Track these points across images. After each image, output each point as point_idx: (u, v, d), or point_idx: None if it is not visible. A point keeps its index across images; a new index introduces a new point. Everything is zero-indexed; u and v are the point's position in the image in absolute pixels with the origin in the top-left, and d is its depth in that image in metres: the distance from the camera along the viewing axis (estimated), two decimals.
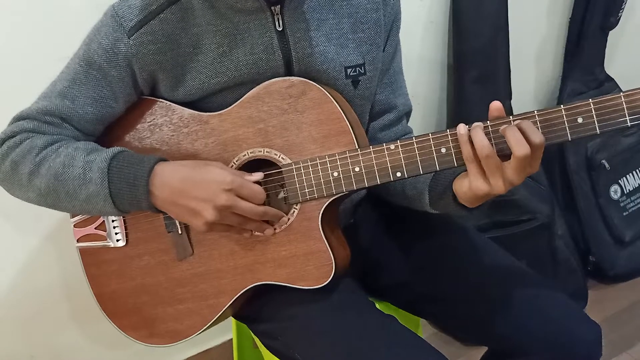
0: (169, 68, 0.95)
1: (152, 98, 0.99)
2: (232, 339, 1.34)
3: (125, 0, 0.94)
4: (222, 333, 1.61)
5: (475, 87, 1.65)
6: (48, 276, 1.36)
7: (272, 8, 0.93)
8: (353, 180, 0.91)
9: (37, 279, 1.34)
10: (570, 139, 0.81)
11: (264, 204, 0.92)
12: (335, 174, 0.91)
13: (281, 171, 0.94)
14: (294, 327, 0.98)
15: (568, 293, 1.73)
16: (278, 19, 0.94)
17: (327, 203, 0.93)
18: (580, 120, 0.80)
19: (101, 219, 1.03)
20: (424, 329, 1.37)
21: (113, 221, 1.03)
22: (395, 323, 0.97)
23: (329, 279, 0.94)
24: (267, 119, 0.94)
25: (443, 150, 0.86)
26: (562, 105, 0.80)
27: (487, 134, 0.82)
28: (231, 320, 1.25)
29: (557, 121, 0.81)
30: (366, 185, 0.91)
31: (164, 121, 0.99)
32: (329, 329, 0.95)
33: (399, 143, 0.88)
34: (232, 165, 0.96)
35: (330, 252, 0.93)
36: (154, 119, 0.99)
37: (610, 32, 1.81)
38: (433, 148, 0.86)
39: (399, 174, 0.89)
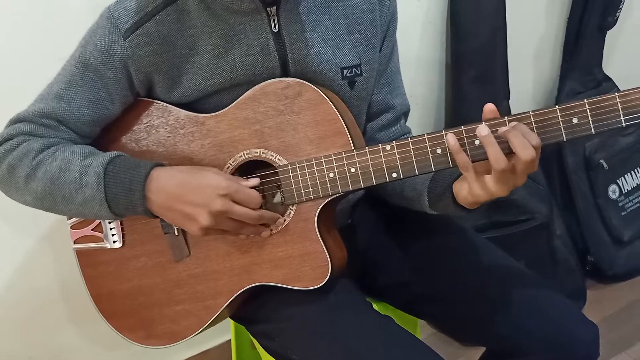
0: (164, 69, 0.95)
1: (149, 99, 1.00)
2: (230, 340, 1.34)
3: (121, 2, 0.94)
4: (221, 334, 1.61)
5: (473, 87, 1.65)
6: (45, 277, 1.36)
7: (268, 9, 0.93)
8: (349, 180, 0.91)
9: (34, 280, 1.34)
10: (565, 139, 0.81)
11: (260, 206, 0.92)
12: (331, 174, 0.91)
13: (277, 172, 0.94)
14: (291, 327, 0.98)
15: (566, 293, 1.74)
16: (274, 20, 0.95)
17: (323, 204, 0.93)
18: (575, 120, 0.80)
19: (98, 221, 1.03)
20: (423, 329, 1.37)
21: (110, 223, 1.03)
22: (392, 324, 0.97)
23: (325, 280, 0.94)
24: (263, 120, 0.94)
25: (439, 150, 0.86)
26: (557, 106, 0.81)
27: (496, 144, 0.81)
28: (229, 321, 1.25)
29: (552, 121, 0.81)
30: (362, 186, 0.91)
31: (160, 122, 0.99)
32: (326, 329, 0.95)
33: (394, 144, 0.88)
34: (229, 167, 0.96)
35: (327, 253, 0.93)
36: (150, 120, 1.00)
37: (608, 32, 1.81)
38: (429, 149, 0.86)
39: (394, 175, 0.89)
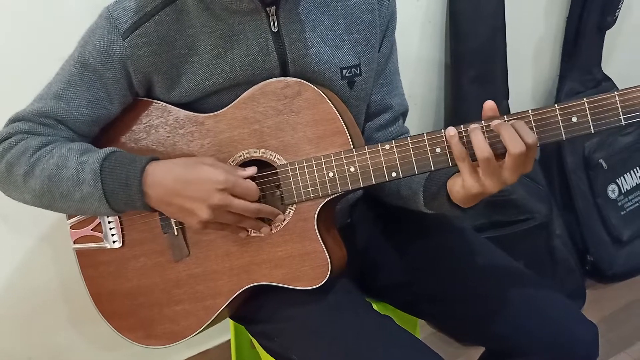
0: (164, 70, 0.95)
1: (148, 99, 1.00)
2: (230, 340, 1.34)
3: (120, 2, 0.94)
4: (221, 334, 1.61)
5: (472, 87, 1.65)
6: (45, 277, 1.36)
7: (268, 9, 0.93)
8: (348, 180, 0.91)
9: (34, 280, 1.34)
10: (564, 139, 0.81)
11: (258, 199, 0.92)
12: (331, 174, 0.91)
13: (277, 172, 0.94)
14: (290, 327, 0.98)
15: (566, 293, 1.74)
16: (273, 20, 0.95)
17: (322, 203, 0.93)
18: (574, 119, 0.80)
19: (98, 221, 1.03)
20: (422, 329, 1.37)
21: (109, 222, 1.03)
22: (392, 324, 0.97)
23: (325, 280, 0.94)
24: (262, 119, 0.94)
25: (438, 150, 0.86)
26: (556, 105, 0.81)
27: (482, 134, 0.82)
28: (229, 321, 1.25)
29: (551, 120, 0.81)
30: (361, 185, 0.91)
31: (160, 122, 0.99)
32: (326, 329, 0.95)
33: (394, 143, 0.88)
34: None
35: (326, 253, 0.93)
36: (150, 120, 1.00)
37: (608, 32, 1.81)
38: (428, 148, 0.86)
39: (394, 174, 0.89)
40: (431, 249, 1.09)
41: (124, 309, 1.04)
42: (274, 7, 0.94)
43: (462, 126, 0.84)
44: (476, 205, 0.90)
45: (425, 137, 0.86)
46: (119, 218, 1.03)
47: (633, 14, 1.92)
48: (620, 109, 0.79)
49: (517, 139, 0.78)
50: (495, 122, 0.81)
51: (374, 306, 1.04)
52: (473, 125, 0.83)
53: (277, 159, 0.94)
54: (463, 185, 0.85)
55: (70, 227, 1.05)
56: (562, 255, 1.77)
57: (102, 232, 1.03)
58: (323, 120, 0.92)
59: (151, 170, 0.90)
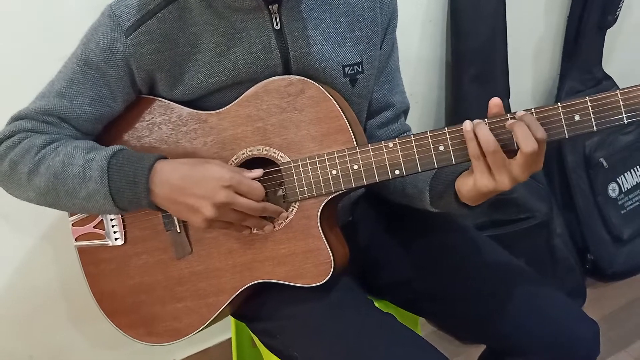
0: (167, 67, 0.95)
1: (151, 97, 1.00)
2: (231, 338, 1.34)
3: (123, 0, 0.94)
4: (221, 332, 1.61)
5: (473, 86, 1.65)
6: (46, 275, 1.36)
7: (270, 7, 0.93)
8: (352, 178, 0.91)
9: (35, 278, 1.34)
10: (567, 137, 0.81)
11: (263, 199, 0.92)
12: (334, 172, 0.92)
13: (280, 169, 0.94)
14: (292, 325, 0.99)
15: (566, 291, 1.74)
16: (276, 17, 0.95)
17: (325, 201, 0.93)
18: (577, 117, 0.80)
19: (99, 218, 1.03)
20: (423, 328, 1.37)
21: (111, 220, 1.03)
22: (394, 321, 0.97)
23: (328, 277, 0.94)
24: (266, 117, 0.94)
25: (441, 148, 0.86)
26: (559, 103, 0.81)
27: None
28: (230, 320, 1.25)
29: (554, 119, 0.81)
30: (365, 183, 0.91)
31: (163, 120, 0.99)
32: (328, 327, 0.95)
33: (397, 141, 0.88)
34: (231, 164, 0.96)
35: (329, 250, 0.93)
36: (153, 117, 1.00)
37: (608, 31, 1.81)
38: (431, 146, 0.87)
39: (397, 172, 0.89)
40: (433, 247, 1.09)
41: (126, 307, 1.04)
42: (277, 5, 0.94)
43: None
44: (482, 204, 0.90)
45: (429, 135, 0.86)
46: (121, 215, 1.03)
47: (633, 13, 1.92)
48: (622, 107, 0.79)
49: (529, 137, 0.78)
50: (510, 122, 0.81)
51: (376, 304, 1.04)
52: (476, 120, 0.83)
53: (281, 156, 0.94)
54: (475, 184, 0.85)
55: (72, 225, 1.05)
56: (562, 254, 1.77)
57: (104, 230, 1.04)
58: (326, 118, 0.92)
59: (159, 168, 0.90)
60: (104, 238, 1.04)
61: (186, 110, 0.98)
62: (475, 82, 1.65)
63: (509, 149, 0.82)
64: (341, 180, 0.92)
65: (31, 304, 1.36)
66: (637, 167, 1.92)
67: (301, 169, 0.93)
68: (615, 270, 1.87)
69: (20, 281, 1.33)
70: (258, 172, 0.94)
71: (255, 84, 0.95)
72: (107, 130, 1.01)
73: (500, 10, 1.61)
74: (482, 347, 1.11)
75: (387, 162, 0.89)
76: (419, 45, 1.62)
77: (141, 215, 1.01)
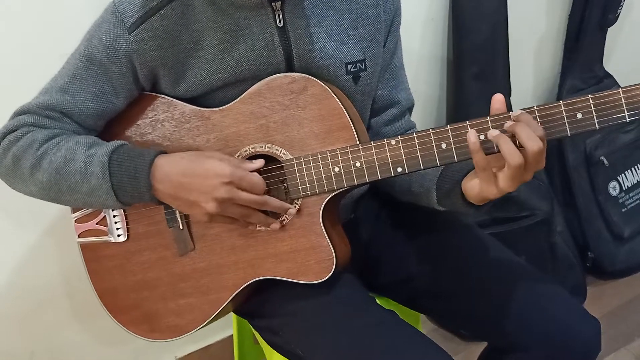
0: (169, 64, 0.95)
1: (154, 94, 1.00)
2: (232, 335, 1.34)
3: None
4: (223, 329, 1.61)
5: (474, 83, 1.65)
6: (48, 272, 1.36)
7: (273, 4, 0.94)
8: (354, 175, 0.91)
9: (37, 274, 1.34)
10: (569, 135, 0.82)
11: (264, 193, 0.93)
12: (337, 169, 0.92)
13: (282, 167, 0.95)
14: (295, 322, 0.99)
15: (567, 289, 1.72)
16: (279, 15, 0.95)
17: (328, 198, 0.93)
18: (579, 115, 0.80)
19: (102, 214, 1.04)
20: (424, 326, 1.37)
21: (114, 216, 1.03)
22: (395, 318, 0.97)
23: (330, 274, 0.94)
24: (268, 114, 0.94)
25: (443, 145, 0.86)
26: (561, 101, 0.81)
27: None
28: (232, 316, 1.25)
29: (556, 117, 0.81)
30: (367, 180, 0.91)
31: (166, 117, 0.99)
32: (330, 324, 0.96)
33: (399, 138, 0.89)
34: None
35: (331, 247, 0.93)
36: (156, 114, 1.00)
37: (609, 29, 1.81)
38: (434, 143, 0.87)
39: (399, 169, 0.89)
40: (434, 244, 1.09)
41: (129, 303, 1.05)
42: (280, 2, 0.94)
43: (467, 122, 0.84)
44: (488, 202, 0.90)
45: (431, 133, 0.87)
46: (124, 212, 1.03)
47: (634, 11, 1.92)
48: (624, 106, 0.79)
49: (534, 137, 0.78)
50: (509, 123, 0.81)
51: (377, 301, 1.04)
52: (494, 133, 0.81)
53: (283, 153, 0.94)
54: (481, 191, 0.85)
55: (75, 221, 1.06)
56: (563, 251, 1.78)
57: (106, 226, 1.04)
58: (329, 116, 0.92)
59: (160, 163, 0.91)
60: (107, 234, 1.04)
61: (189, 107, 0.98)
62: (477, 80, 1.65)
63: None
64: (343, 177, 0.92)
65: (33, 301, 1.36)
66: (638, 165, 1.92)
67: (304, 166, 0.93)
68: (615, 268, 1.87)
69: (23, 278, 1.33)
70: (259, 162, 0.94)
71: (258, 81, 0.95)
72: (110, 127, 1.01)
73: (501, 8, 1.61)
74: (483, 345, 1.11)
75: (389, 160, 0.89)
76: (421, 43, 1.62)
77: (144, 211, 1.01)
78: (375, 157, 0.90)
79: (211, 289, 1.00)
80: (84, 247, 1.06)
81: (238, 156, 0.96)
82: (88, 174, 0.91)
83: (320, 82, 0.93)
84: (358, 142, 0.91)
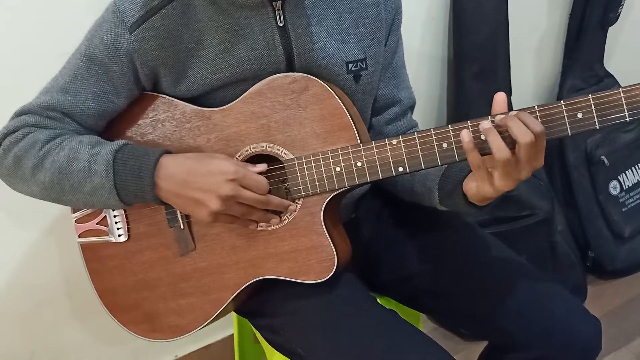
0: (170, 64, 0.95)
1: (154, 93, 1.00)
2: (233, 335, 1.34)
3: None
4: (223, 328, 1.61)
5: (475, 82, 1.65)
6: (48, 272, 1.36)
7: (274, 4, 0.94)
8: (355, 175, 0.91)
9: (37, 274, 1.34)
10: (570, 134, 0.82)
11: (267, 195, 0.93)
12: (338, 169, 0.92)
13: (283, 166, 0.95)
14: (296, 321, 0.99)
15: (567, 288, 1.72)
16: (279, 14, 0.95)
17: (329, 198, 0.93)
18: (580, 115, 0.80)
19: (103, 214, 1.04)
20: (424, 325, 1.37)
21: (115, 216, 1.03)
22: (396, 318, 0.98)
23: (331, 274, 0.94)
24: (269, 114, 0.94)
25: (445, 145, 0.86)
26: (562, 101, 0.81)
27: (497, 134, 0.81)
28: (232, 316, 1.25)
29: (557, 116, 0.81)
30: (368, 180, 0.91)
31: (166, 117, 0.99)
32: (331, 323, 0.96)
33: (401, 138, 0.89)
34: None
35: (333, 247, 0.93)
36: (156, 114, 1.00)
37: (610, 29, 1.81)
38: (435, 143, 0.87)
39: (401, 169, 0.89)
40: (435, 244, 1.09)
41: (129, 303, 1.05)
42: (280, 1, 0.94)
43: (468, 121, 0.84)
44: (490, 203, 0.90)
45: (432, 132, 0.87)
46: (125, 212, 1.03)
47: (635, 11, 1.92)
48: (625, 106, 0.79)
49: (525, 131, 0.78)
50: (501, 116, 0.81)
51: (378, 300, 1.04)
52: (486, 125, 0.81)
53: (284, 153, 0.94)
54: (478, 190, 0.86)
55: (75, 221, 1.05)
56: (563, 251, 1.78)
57: (107, 226, 1.04)
58: (330, 116, 0.92)
59: (164, 163, 0.91)
60: (107, 234, 1.04)
61: (190, 107, 0.98)
62: (477, 79, 1.65)
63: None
64: (345, 177, 0.92)
65: (33, 300, 1.36)
66: (639, 164, 1.92)
67: (305, 166, 0.93)
68: (616, 267, 1.87)
69: (23, 277, 1.33)
70: (262, 166, 0.94)
71: (259, 80, 0.95)
72: (110, 127, 1.01)
73: (502, 8, 1.61)
74: (483, 344, 1.11)
75: (390, 160, 0.89)
76: (421, 42, 1.62)
77: (145, 211, 1.01)
78: (376, 156, 0.90)
79: (212, 289, 1.00)
80: (84, 247, 1.06)
81: (239, 156, 0.96)
82: (92, 173, 0.91)
83: (321, 82, 0.93)
84: (359, 142, 0.91)
